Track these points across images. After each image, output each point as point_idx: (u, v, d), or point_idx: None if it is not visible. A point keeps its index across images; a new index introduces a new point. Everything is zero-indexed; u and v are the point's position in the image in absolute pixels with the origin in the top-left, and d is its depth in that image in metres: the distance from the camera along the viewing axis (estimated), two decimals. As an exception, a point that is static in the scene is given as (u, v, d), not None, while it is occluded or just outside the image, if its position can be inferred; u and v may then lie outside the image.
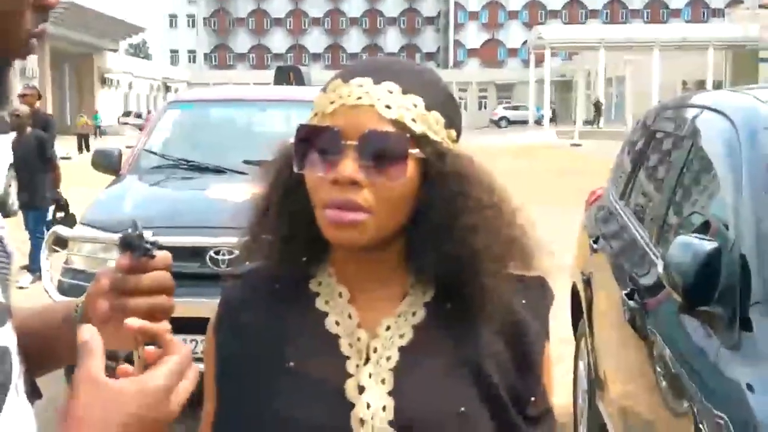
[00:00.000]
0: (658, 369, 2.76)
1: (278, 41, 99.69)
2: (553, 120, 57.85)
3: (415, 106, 1.14)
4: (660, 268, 2.72)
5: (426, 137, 1.14)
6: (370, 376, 1.15)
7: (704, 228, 2.87)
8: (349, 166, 1.10)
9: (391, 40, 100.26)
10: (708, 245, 2.46)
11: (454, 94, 1.24)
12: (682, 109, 3.99)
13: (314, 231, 1.16)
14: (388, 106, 1.12)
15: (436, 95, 1.17)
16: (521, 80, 77.05)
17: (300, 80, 8.81)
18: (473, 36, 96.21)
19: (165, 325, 1.00)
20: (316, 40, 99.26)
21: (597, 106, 53.44)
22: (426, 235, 1.15)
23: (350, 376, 1.15)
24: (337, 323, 1.18)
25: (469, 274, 1.15)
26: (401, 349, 1.17)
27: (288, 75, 8.43)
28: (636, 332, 3.13)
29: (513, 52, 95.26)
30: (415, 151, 1.13)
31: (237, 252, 1.27)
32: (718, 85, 54.72)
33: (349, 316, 1.19)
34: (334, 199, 1.11)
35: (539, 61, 58.71)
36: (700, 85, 54.93)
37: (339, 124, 1.12)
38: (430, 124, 1.15)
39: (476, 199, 1.15)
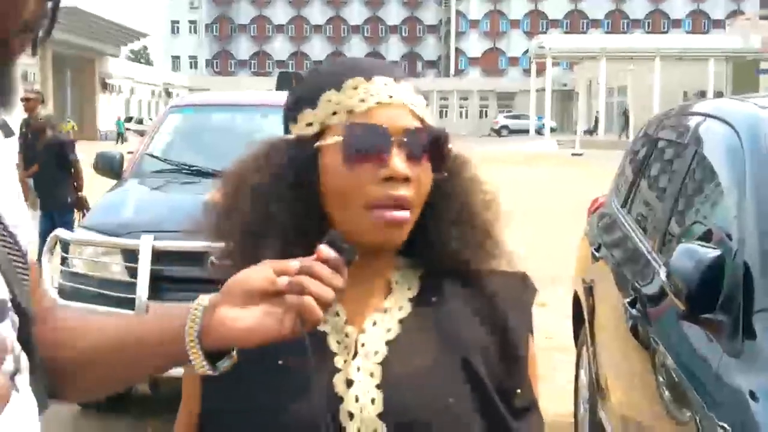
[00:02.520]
0: (660, 377, 2.75)
1: (280, 48, 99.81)
2: (592, 131, 56.97)
3: (425, 105, 1.20)
4: (663, 276, 2.72)
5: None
6: (358, 370, 1.16)
7: (707, 236, 2.86)
8: (400, 163, 1.12)
9: (393, 48, 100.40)
10: (711, 253, 2.45)
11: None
12: (684, 117, 3.99)
13: (312, 229, 1.16)
14: (413, 104, 1.18)
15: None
16: (522, 89, 77.14)
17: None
18: (474, 44, 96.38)
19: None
20: (317, 47, 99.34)
21: (626, 115, 52.86)
22: (442, 229, 1.20)
23: (338, 371, 1.16)
24: (325, 320, 1.18)
25: (464, 266, 1.22)
26: (388, 343, 1.18)
27: (291, 80, 8.43)
28: (638, 340, 3.12)
29: (514, 61, 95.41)
30: (450, 145, 1.19)
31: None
32: (718, 96, 54.81)
33: (337, 314, 1.20)
34: (388, 197, 1.13)
35: (540, 71, 58.78)
36: (701, 95, 54.97)
37: (380, 121, 1.14)
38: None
39: (478, 192, 1.23)
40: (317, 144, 1.16)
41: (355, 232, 1.14)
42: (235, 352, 1.06)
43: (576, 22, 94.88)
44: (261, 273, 1.03)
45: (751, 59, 52.60)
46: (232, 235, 1.19)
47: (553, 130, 59.14)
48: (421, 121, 1.17)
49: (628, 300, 3.32)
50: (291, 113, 1.22)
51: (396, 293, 1.22)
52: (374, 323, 1.20)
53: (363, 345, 1.18)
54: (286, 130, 1.22)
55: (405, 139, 1.13)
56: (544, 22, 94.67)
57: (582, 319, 4.50)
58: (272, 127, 6.68)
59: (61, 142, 8.69)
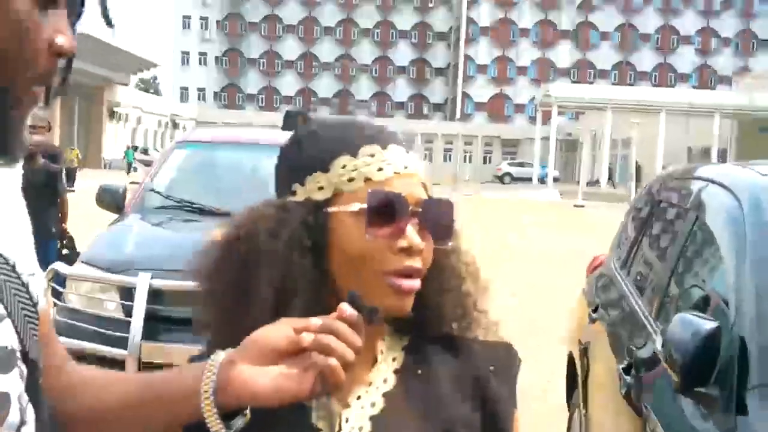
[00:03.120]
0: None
1: (288, 84, 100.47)
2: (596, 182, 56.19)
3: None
4: (659, 344, 2.70)
5: None
6: None
7: (704, 304, 2.85)
8: (416, 234, 1.14)
9: (400, 90, 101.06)
10: (708, 324, 2.44)
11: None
12: (687, 181, 4.00)
13: (324, 293, 1.16)
14: (422, 174, 1.21)
15: None
16: (527, 137, 77.50)
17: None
18: (481, 89, 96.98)
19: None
20: (325, 85, 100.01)
21: (637, 168, 52.65)
22: (432, 296, 1.20)
23: None
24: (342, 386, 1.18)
25: (450, 335, 1.23)
26: (372, 418, 1.17)
27: (296, 120, 8.45)
28: (631, 407, 3.10)
29: (520, 108, 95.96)
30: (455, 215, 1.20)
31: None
32: (722, 153, 54.97)
33: None
34: (405, 267, 1.14)
35: (546, 119, 59.07)
36: (705, 151, 55.09)
37: (398, 191, 1.16)
38: None
39: (463, 261, 1.25)
40: (333, 209, 1.16)
41: (367, 297, 1.12)
42: (248, 410, 1.05)
43: (583, 71, 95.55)
44: (281, 331, 1.03)
45: (757, 117, 52.86)
46: (232, 298, 1.16)
47: (556, 179, 59.23)
48: (426, 188, 1.20)
49: (623, 366, 3.30)
50: (296, 174, 1.20)
51: (381, 365, 1.21)
52: (359, 397, 1.19)
53: (347, 420, 1.17)
54: (285, 189, 1.21)
55: (420, 210, 1.15)
56: (551, 70, 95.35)
57: (575, 380, 4.47)
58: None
59: (51, 171, 8.69)
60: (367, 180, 1.15)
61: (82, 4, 0.96)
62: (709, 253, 3.19)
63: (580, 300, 4.90)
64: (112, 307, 4.78)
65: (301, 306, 1.12)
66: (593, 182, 58.70)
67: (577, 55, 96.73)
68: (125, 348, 4.55)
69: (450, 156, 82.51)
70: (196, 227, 5.68)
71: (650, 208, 4.37)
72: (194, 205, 5.93)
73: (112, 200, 6.34)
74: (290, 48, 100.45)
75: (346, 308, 1.02)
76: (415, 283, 1.15)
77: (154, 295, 4.66)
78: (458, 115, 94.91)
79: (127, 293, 4.74)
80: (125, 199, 6.36)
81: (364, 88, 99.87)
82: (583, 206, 37.01)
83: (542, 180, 57.99)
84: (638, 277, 4.01)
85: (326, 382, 0.99)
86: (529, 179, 60.70)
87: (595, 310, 4.35)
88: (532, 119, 78.16)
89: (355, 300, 1.04)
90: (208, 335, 1.21)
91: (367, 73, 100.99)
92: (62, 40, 0.91)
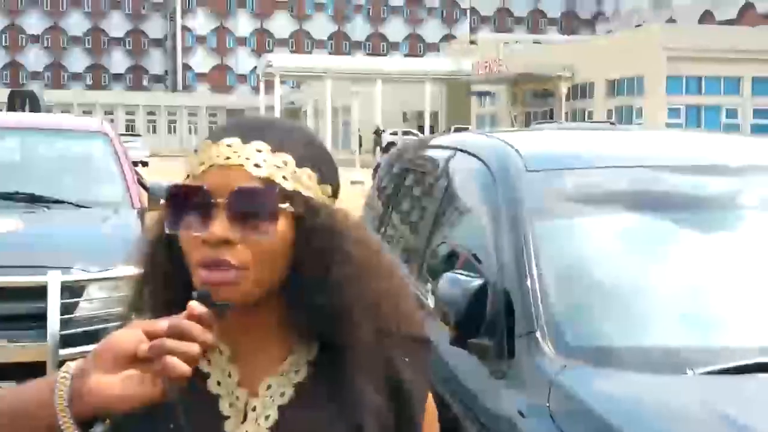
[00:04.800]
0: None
1: (35, 59, 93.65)
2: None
3: (285, 164, 1.16)
4: (431, 303, 2.88)
5: (298, 194, 1.16)
6: None
7: (466, 264, 3.06)
8: (219, 225, 1.11)
9: (117, 61, 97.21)
10: (474, 282, 2.61)
11: (325, 145, 1.26)
12: (431, 150, 4.22)
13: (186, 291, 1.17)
14: (257, 165, 1.14)
15: (308, 152, 1.20)
16: (251, 106, 77.30)
17: (35, 106, 8.25)
18: (202, 60, 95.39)
19: None
20: (34, 58, 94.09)
21: (377, 133, 53.51)
22: (299, 290, 1.17)
23: None
24: (219, 383, 1.19)
25: (344, 329, 1.18)
26: (280, 408, 1.18)
27: (24, 99, 7.92)
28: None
29: (242, 78, 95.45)
30: (284, 206, 1.14)
31: None
32: (434, 115, 57.82)
33: (229, 375, 1.20)
34: (206, 258, 1.11)
35: (269, 88, 59.22)
36: (419, 115, 57.67)
37: (209, 183, 1.13)
38: (302, 180, 1.17)
39: (347, 253, 1.17)
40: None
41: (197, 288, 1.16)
42: (107, 419, 1.05)
43: (300, 42, 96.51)
44: (131, 336, 1.03)
45: (463, 81, 55.98)
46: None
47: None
48: (266, 182, 1.14)
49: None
50: None
51: (294, 355, 1.21)
52: (269, 386, 1.19)
53: (254, 409, 1.18)
54: None
55: (227, 201, 1.12)
56: (270, 41, 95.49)
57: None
58: (9, 151, 6.24)
59: None
60: (193, 176, 1.16)
61: None
62: (464, 216, 3.40)
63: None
64: None
65: (181, 301, 1.14)
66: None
67: (294, 25, 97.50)
68: None
69: (175, 128, 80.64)
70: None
71: (396, 177, 4.54)
72: None
73: None
74: (35, 21, 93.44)
75: (195, 306, 1.03)
76: (226, 276, 1.11)
77: None
78: (180, 86, 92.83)
79: None
80: None
81: (77, 61, 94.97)
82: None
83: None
84: (394, 242, 4.17)
85: (172, 380, 1.01)
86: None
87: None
88: (255, 89, 77.96)
89: (204, 297, 1.06)
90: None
91: (80, 44, 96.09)
92: None
